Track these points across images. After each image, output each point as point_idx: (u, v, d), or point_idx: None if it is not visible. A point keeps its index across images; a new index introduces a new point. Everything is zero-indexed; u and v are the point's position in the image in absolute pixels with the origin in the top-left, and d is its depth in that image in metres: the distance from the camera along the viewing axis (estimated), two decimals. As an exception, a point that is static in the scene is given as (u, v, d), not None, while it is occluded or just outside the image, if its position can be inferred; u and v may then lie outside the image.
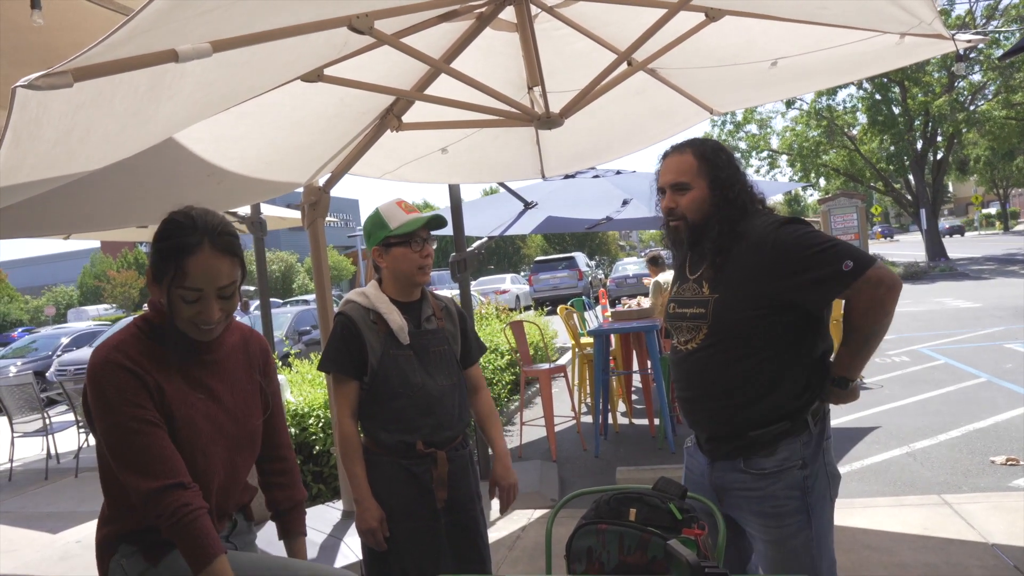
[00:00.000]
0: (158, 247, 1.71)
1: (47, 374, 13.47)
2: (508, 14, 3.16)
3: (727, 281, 1.99)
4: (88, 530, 5.46)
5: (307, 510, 4.69)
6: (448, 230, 5.69)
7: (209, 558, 1.58)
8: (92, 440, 7.88)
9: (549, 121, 3.05)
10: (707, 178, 2.04)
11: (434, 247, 2.48)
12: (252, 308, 17.53)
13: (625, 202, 6.23)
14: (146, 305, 1.82)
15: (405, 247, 2.38)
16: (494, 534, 4.39)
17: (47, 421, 7.64)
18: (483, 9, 3.11)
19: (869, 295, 1.85)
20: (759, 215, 2.06)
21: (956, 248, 30.79)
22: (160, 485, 1.59)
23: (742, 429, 1.99)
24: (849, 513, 4.08)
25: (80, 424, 7.52)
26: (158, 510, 1.58)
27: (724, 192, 2.03)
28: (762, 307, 1.93)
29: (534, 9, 3.15)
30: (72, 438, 7.96)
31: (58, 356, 14.76)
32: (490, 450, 2.65)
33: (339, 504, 4.59)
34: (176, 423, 1.69)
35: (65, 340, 16.22)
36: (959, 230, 53.16)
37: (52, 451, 7.66)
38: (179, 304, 1.69)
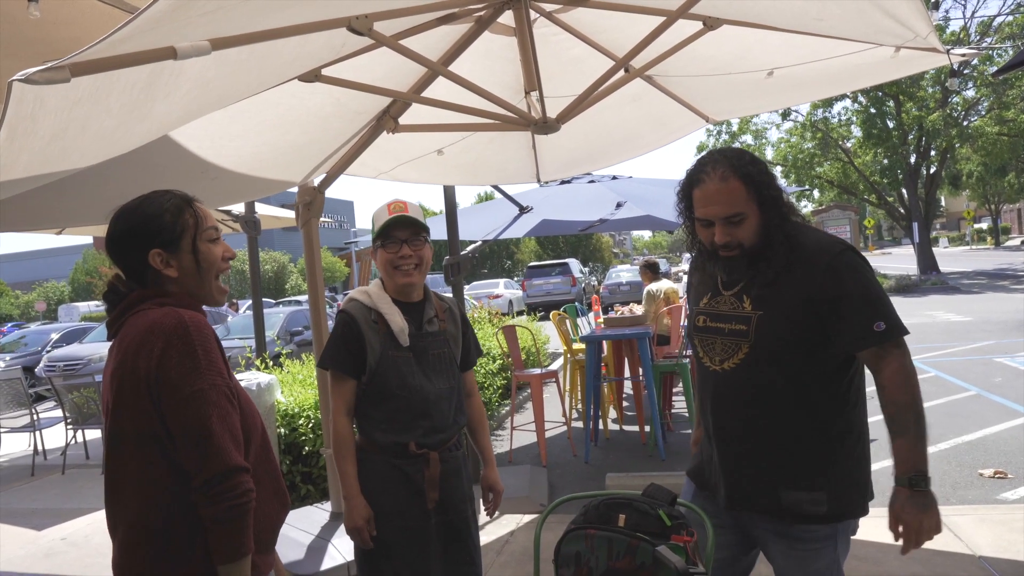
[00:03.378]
0: (164, 212, 1.67)
1: (36, 370, 13.39)
2: (507, 18, 3.17)
3: (773, 298, 1.89)
4: (74, 527, 5.42)
5: (296, 511, 4.68)
6: (442, 233, 5.70)
7: (247, 551, 1.53)
8: (80, 437, 7.86)
9: (546, 126, 3.06)
10: (757, 201, 1.89)
11: (423, 246, 2.42)
12: (243, 309, 17.50)
13: (619, 204, 6.26)
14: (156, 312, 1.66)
15: (383, 248, 2.39)
16: (483, 538, 4.37)
17: (35, 417, 7.58)
18: (482, 13, 3.11)
19: (899, 362, 1.80)
20: (809, 230, 1.97)
21: (948, 262, 30.96)
22: (235, 466, 1.51)
23: (781, 475, 1.89)
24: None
25: (68, 420, 7.47)
26: (220, 489, 1.48)
27: (778, 209, 1.92)
28: (807, 329, 1.84)
29: (533, 14, 3.16)
30: (59, 434, 7.90)
31: (47, 352, 14.67)
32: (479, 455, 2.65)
33: (327, 505, 4.57)
34: (239, 398, 1.66)
35: (55, 336, 16.12)
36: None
37: (39, 447, 7.60)
38: (210, 250, 1.71)
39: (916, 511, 1.79)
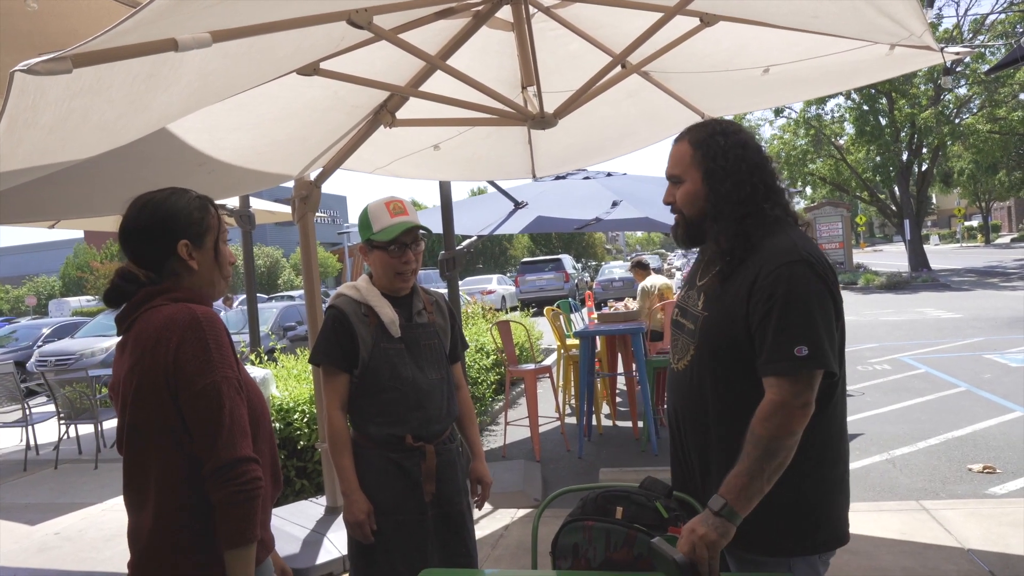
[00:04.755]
0: (192, 209, 1.72)
1: (27, 364, 13.32)
2: (505, 13, 3.18)
3: (721, 299, 1.77)
4: (68, 522, 5.41)
5: (290, 505, 4.69)
6: (437, 228, 5.71)
7: (252, 539, 1.57)
8: (73, 431, 7.82)
9: (543, 121, 3.07)
10: (700, 169, 1.80)
11: (422, 248, 2.47)
12: (236, 303, 17.43)
13: (615, 203, 6.26)
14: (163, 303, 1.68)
15: (384, 251, 2.39)
16: (477, 532, 4.38)
17: (27, 412, 7.56)
18: (480, 8, 3.12)
19: (785, 395, 1.60)
20: (782, 233, 1.75)
21: (939, 259, 31.14)
22: (243, 456, 1.57)
23: (710, 491, 1.69)
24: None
25: (60, 415, 7.45)
26: (230, 475, 1.54)
27: (716, 186, 1.78)
28: (744, 338, 1.70)
29: (531, 9, 3.17)
30: (52, 429, 7.88)
31: (39, 347, 14.59)
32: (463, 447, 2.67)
33: (322, 500, 4.58)
34: (246, 386, 1.70)
35: (46, 331, 16.04)
36: None
37: (31, 442, 7.58)
38: (225, 251, 1.78)
39: (700, 522, 1.61)
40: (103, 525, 5.28)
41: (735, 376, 1.73)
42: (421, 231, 2.43)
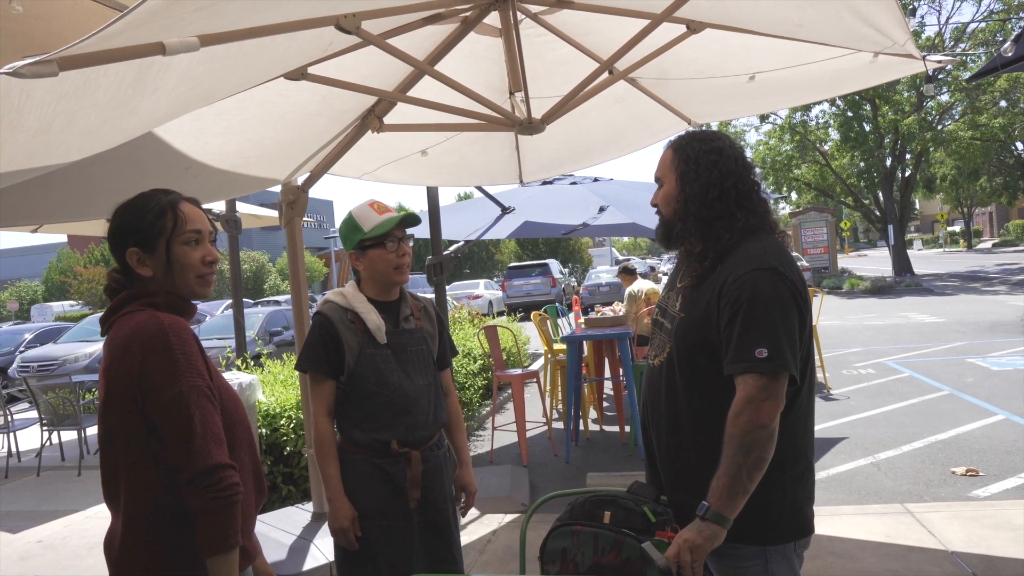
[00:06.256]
0: (146, 212, 1.68)
1: (9, 370, 13.17)
2: (492, 19, 3.19)
3: (695, 302, 1.85)
4: (50, 529, 5.35)
5: (277, 512, 4.65)
6: (425, 233, 5.70)
7: (233, 545, 1.56)
8: (56, 438, 7.74)
9: (531, 127, 3.08)
10: (676, 172, 1.91)
11: (411, 245, 2.48)
12: (220, 309, 17.32)
13: (602, 208, 6.28)
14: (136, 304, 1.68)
15: (380, 248, 2.38)
16: (465, 538, 4.38)
17: (8, 418, 7.47)
18: (468, 13, 3.13)
19: (750, 391, 1.67)
20: (755, 239, 1.83)
21: (922, 264, 31.46)
22: (218, 463, 1.55)
23: (681, 482, 1.85)
24: (815, 521, 4.15)
25: (43, 422, 7.36)
26: (207, 483, 1.52)
27: (686, 187, 1.87)
28: (714, 340, 1.78)
29: (518, 15, 3.18)
30: (34, 436, 7.79)
31: (21, 352, 14.43)
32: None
33: (309, 506, 4.55)
34: (220, 392, 1.68)
35: (28, 336, 15.87)
36: None
37: (13, 449, 7.48)
38: (186, 253, 1.70)
39: (688, 527, 1.68)
40: (86, 533, 5.22)
41: (707, 375, 1.80)
42: (407, 229, 2.44)
